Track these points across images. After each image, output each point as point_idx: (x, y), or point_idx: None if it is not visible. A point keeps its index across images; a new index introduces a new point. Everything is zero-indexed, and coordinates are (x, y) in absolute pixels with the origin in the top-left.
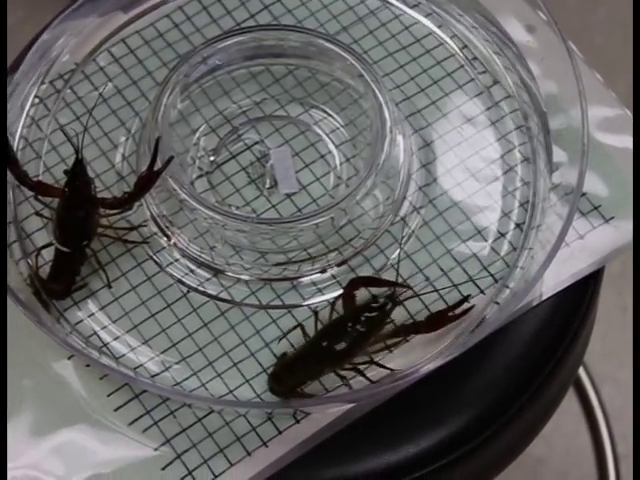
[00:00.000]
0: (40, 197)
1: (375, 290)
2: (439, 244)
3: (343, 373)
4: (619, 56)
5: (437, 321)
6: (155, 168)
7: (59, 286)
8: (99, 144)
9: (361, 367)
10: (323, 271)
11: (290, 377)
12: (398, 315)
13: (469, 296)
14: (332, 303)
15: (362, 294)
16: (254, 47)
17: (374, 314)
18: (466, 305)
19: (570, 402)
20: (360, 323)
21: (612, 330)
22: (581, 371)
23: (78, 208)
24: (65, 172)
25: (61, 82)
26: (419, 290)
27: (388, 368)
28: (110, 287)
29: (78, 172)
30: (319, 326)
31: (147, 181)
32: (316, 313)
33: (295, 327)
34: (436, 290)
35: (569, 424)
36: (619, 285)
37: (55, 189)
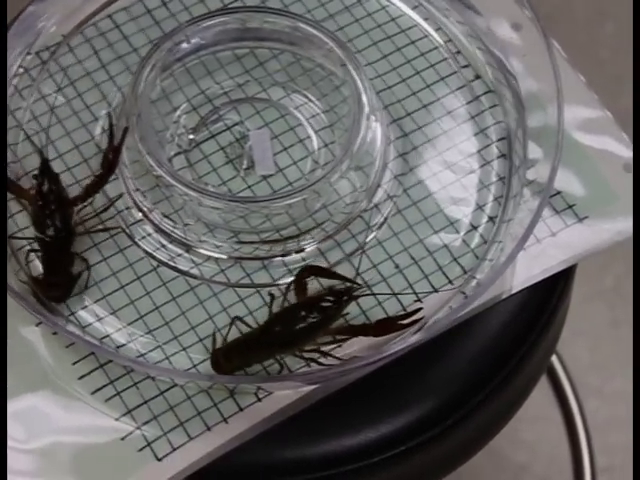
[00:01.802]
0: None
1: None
2: (411, 233)
3: (287, 360)
4: (626, 70)
5: (386, 327)
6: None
7: (57, 291)
8: (80, 116)
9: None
10: (294, 252)
11: (237, 357)
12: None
13: (420, 309)
14: (286, 288)
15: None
16: (239, 29)
17: (329, 305)
18: (417, 315)
19: (554, 411)
20: (315, 312)
21: (602, 343)
22: (565, 382)
23: (52, 214)
24: (34, 177)
25: (47, 53)
26: (379, 283)
27: (337, 358)
28: (88, 269)
29: (47, 177)
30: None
31: (111, 158)
32: (272, 296)
33: (232, 322)
34: (394, 294)
35: (553, 432)
36: (611, 299)
37: (27, 193)
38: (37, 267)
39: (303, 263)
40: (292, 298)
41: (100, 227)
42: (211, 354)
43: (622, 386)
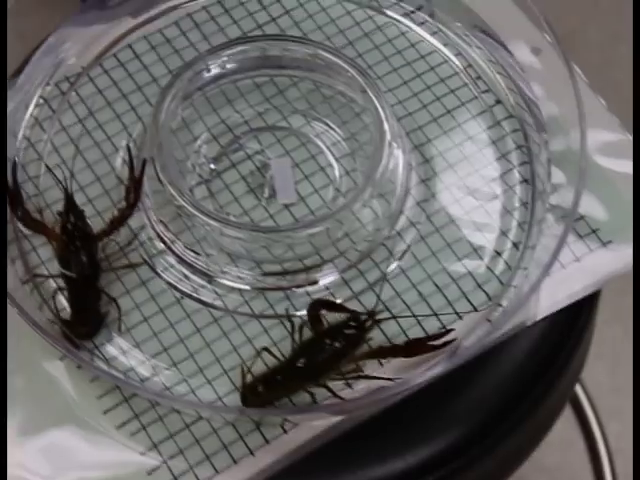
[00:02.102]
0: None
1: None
2: (435, 260)
3: (314, 391)
4: None
5: (416, 348)
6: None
7: (85, 328)
8: (101, 147)
9: (350, 379)
10: (317, 282)
11: (266, 392)
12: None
13: (452, 330)
14: (306, 321)
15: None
16: (259, 57)
17: (352, 331)
18: (449, 337)
19: (576, 435)
20: (338, 340)
21: (621, 365)
22: (586, 405)
23: (78, 251)
24: (59, 214)
25: (66, 84)
26: (401, 312)
27: (378, 377)
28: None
29: (72, 214)
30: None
31: (134, 191)
32: (292, 323)
33: (258, 353)
34: (414, 315)
35: (575, 457)
36: (629, 321)
37: (50, 230)
38: (61, 301)
39: (326, 292)
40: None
41: (125, 262)
42: (241, 391)
43: None
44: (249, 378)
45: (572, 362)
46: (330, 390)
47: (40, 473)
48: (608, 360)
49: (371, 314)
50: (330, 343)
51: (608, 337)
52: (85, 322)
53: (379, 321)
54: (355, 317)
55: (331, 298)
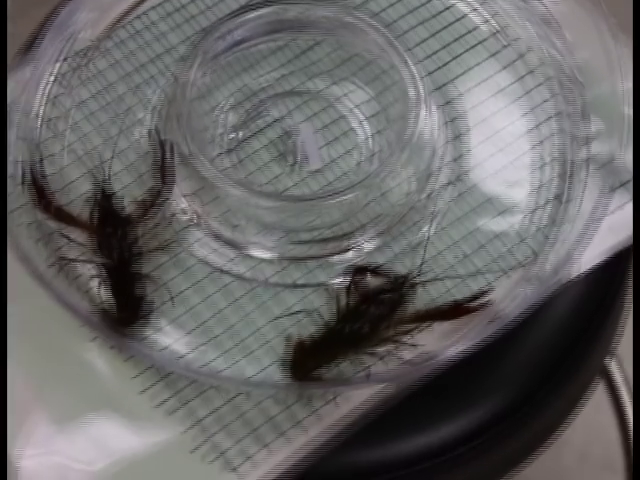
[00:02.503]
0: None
1: None
2: (475, 216)
3: (363, 357)
4: None
5: (455, 311)
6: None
7: (128, 314)
8: (120, 120)
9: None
10: (351, 249)
11: (309, 361)
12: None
13: (488, 291)
14: (347, 287)
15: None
16: (276, 20)
17: (393, 295)
18: (486, 298)
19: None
20: (379, 305)
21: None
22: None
23: (113, 236)
24: (91, 199)
25: (79, 59)
26: (448, 268)
27: (415, 345)
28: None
29: (104, 204)
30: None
31: (165, 173)
32: (330, 294)
33: (298, 312)
34: (457, 276)
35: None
36: None
37: (83, 223)
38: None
39: (363, 259)
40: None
41: (160, 243)
42: (283, 361)
43: None
44: (293, 347)
45: (614, 312)
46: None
47: (80, 459)
48: None
49: (408, 277)
50: (374, 307)
51: None
52: (131, 308)
53: (418, 284)
54: (394, 281)
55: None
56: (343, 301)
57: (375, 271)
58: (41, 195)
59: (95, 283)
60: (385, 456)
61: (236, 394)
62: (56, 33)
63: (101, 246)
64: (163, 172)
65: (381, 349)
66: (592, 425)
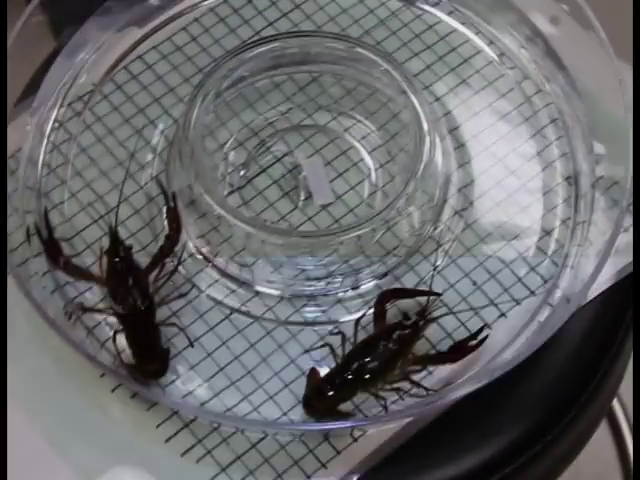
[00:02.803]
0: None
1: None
2: (484, 246)
3: (379, 393)
4: None
5: (458, 352)
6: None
7: (155, 366)
8: (125, 166)
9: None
10: (367, 282)
11: (323, 398)
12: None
13: (485, 326)
14: (356, 321)
15: (392, 312)
16: (277, 56)
17: (406, 331)
18: (484, 333)
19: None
20: (392, 341)
21: None
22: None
23: (130, 288)
24: (106, 252)
25: (80, 104)
26: (459, 303)
27: (424, 387)
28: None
29: (119, 256)
30: (349, 346)
31: (175, 222)
32: (342, 335)
33: (322, 346)
34: (472, 309)
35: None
36: None
37: (98, 276)
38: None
39: (378, 291)
40: (361, 333)
41: (175, 294)
42: (303, 397)
43: None
44: (309, 384)
45: (630, 337)
46: (412, 381)
47: None
48: None
49: (422, 313)
50: (385, 344)
51: None
52: (153, 360)
53: (433, 319)
54: (408, 317)
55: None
56: (358, 335)
57: (404, 291)
58: (51, 251)
59: (111, 333)
60: None
61: (260, 438)
62: (55, 77)
63: (116, 298)
64: (171, 220)
65: (395, 385)
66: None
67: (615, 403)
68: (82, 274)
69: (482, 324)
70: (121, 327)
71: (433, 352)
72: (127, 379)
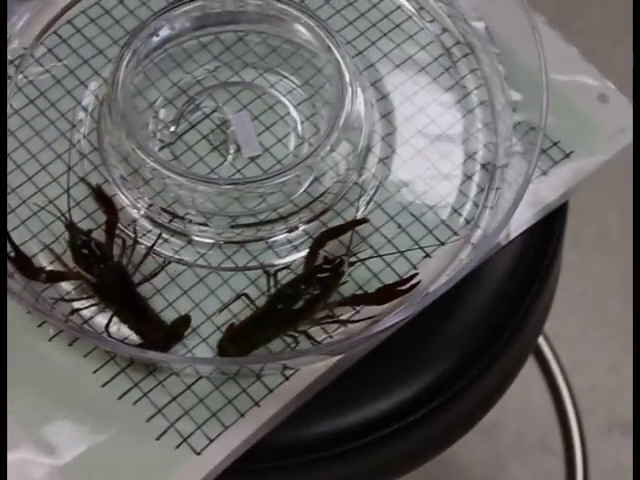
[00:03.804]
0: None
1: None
2: (408, 191)
3: (294, 335)
4: None
5: (386, 295)
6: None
7: (162, 333)
8: (57, 126)
9: (324, 324)
10: (296, 228)
11: (244, 340)
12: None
13: (417, 274)
14: (279, 269)
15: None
16: (202, 16)
17: (327, 275)
18: (414, 280)
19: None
20: (313, 285)
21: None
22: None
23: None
24: (70, 244)
25: (12, 68)
26: (385, 245)
27: (345, 321)
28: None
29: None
30: (272, 289)
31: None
32: (267, 273)
33: (237, 297)
34: (399, 252)
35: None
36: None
37: (71, 273)
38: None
39: (307, 237)
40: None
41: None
42: (218, 341)
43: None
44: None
45: (552, 275)
46: (308, 335)
47: (48, 452)
48: None
49: (345, 256)
50: (306, 288)
51: None
52: (160, 327)
53: (353, 263)
54: (329, 260)
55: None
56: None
57: (338, 229)
58: (25, 268)
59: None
60: (338, 426)
61: (195, 380)
62: None
63: (101, 287)
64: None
65: (315, 328)
66: (524, 406)
67: (554, 365)
68: (64, 276)
69: (409, 266)
70: (109, 307)
71: (360, 292)
72: (66, 325)
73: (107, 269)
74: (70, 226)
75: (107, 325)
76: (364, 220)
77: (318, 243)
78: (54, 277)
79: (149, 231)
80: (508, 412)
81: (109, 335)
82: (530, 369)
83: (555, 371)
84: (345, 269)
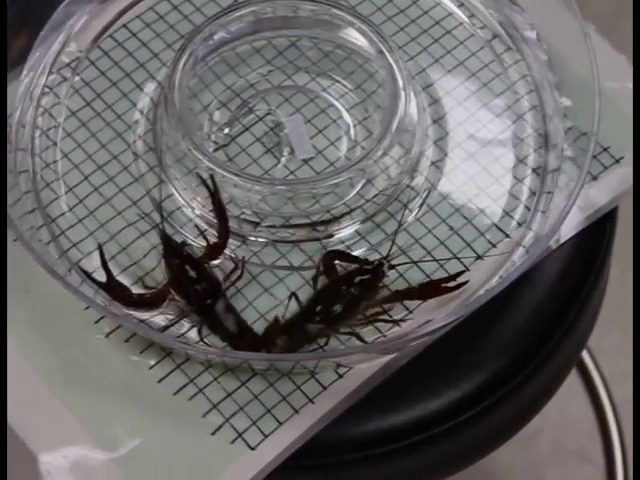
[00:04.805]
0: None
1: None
2: (460, 194)
3: (339, 336)
4: None
5: (431, 290)
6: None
7: (253, 337)
8: (113, 126)
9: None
10: (348, 228)
11: (285, 340)
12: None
13: (464, 271)
14: (317, 268)
15: None
16: (255, 22)
17: (367, 277)
18: (462, 278)
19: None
20: (354, 286)
21: None
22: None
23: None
24: (166, 258)
25: (68, 70)
26: (437, 247)
27: (394, 321)
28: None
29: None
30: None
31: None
32: (317, 274)
33: (290, 296)
34: (434, 259)
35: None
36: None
37: (162, 294)
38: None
39: (360, 238)
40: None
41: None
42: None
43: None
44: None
45: (602, 278)
46: (358, 336)
47: (104, 447)
48: None
49: (384, 259)
50: (346, 289)
51: None
52: (247, 333)
53: (393, 266)
54: (368, 263)
55: (365, 242)
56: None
57: (346, 256)
58: (118, 293)
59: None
60: (393, 424)
61: (249, 376)
62: (44, 46)
63: (198, 301)
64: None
65: (360, 328)
66: (566, 417)
67: (596, 378)
68: (155, 300)
69: (461, 268)
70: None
71: (403, 289)
72: (123, 319)
73: (206, 288)
74: (166, 240)
75: (200, 335)
76: (381, 260)
77: (326, 261)
78: (153, 303)
79: (204, 230)
80: (547, 421)
81: (205, 344)
82: (569, 378)
83: (597, 381)
84: (385, 271)
